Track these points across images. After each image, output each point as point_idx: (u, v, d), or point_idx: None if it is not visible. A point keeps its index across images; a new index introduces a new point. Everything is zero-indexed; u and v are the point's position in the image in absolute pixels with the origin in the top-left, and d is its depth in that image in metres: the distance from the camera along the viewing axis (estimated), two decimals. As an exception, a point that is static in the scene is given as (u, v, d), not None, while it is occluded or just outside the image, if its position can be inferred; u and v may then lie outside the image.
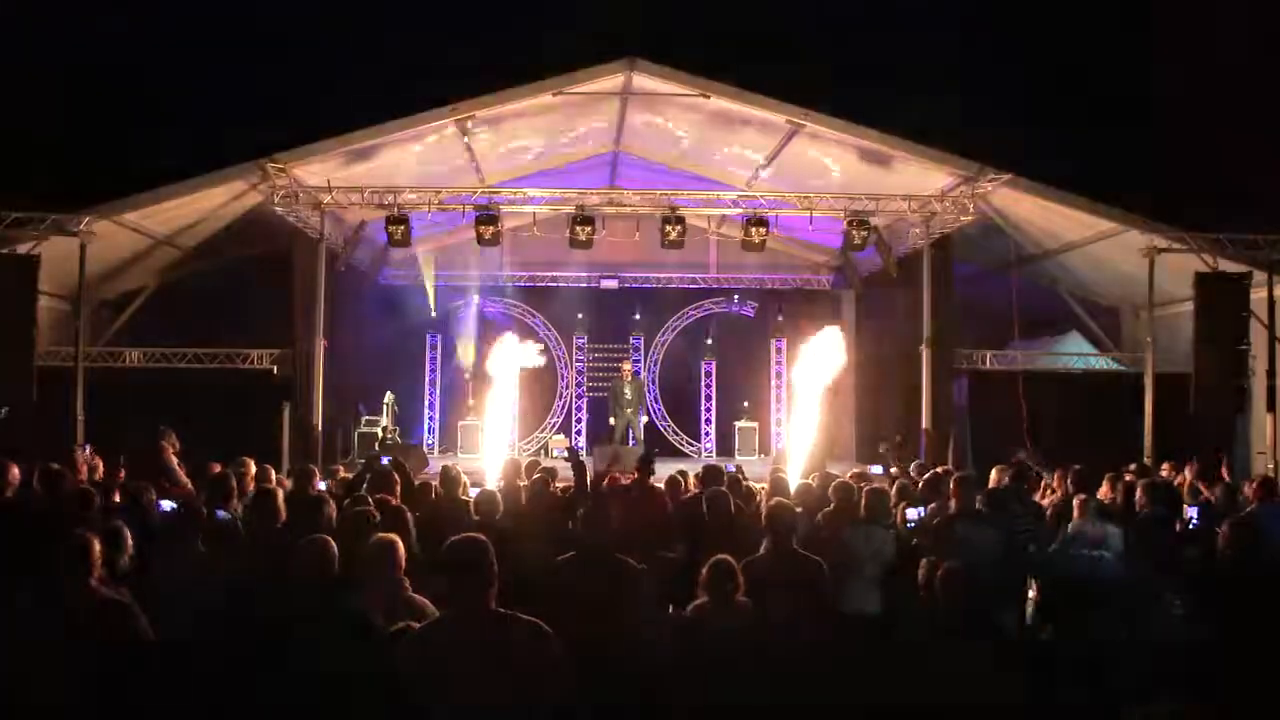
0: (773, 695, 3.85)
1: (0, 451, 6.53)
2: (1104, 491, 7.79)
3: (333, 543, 4.12)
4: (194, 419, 8.98)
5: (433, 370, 17.55)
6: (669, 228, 12.91)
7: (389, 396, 15.87)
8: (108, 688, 3.56)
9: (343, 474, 8.31)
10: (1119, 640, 4.32)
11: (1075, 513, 6.36)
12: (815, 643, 4.51)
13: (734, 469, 9.67)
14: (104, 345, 13.66)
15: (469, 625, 3.17)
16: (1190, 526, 6.65)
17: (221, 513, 5.44)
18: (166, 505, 6.09)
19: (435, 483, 7.27)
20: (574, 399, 17.77)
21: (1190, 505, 7.13)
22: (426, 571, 4.62)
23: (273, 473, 7.58)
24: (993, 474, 8.03)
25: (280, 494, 5.91)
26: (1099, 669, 4.32)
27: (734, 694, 3.82)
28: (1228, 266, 11.71)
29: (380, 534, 4.39)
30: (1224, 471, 8.45)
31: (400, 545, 4.27)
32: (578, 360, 17.70)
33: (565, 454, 12.49)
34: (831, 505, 6.58)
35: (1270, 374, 11.56)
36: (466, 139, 12.80)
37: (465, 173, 14.52)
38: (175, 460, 7.46)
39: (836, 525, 6.12)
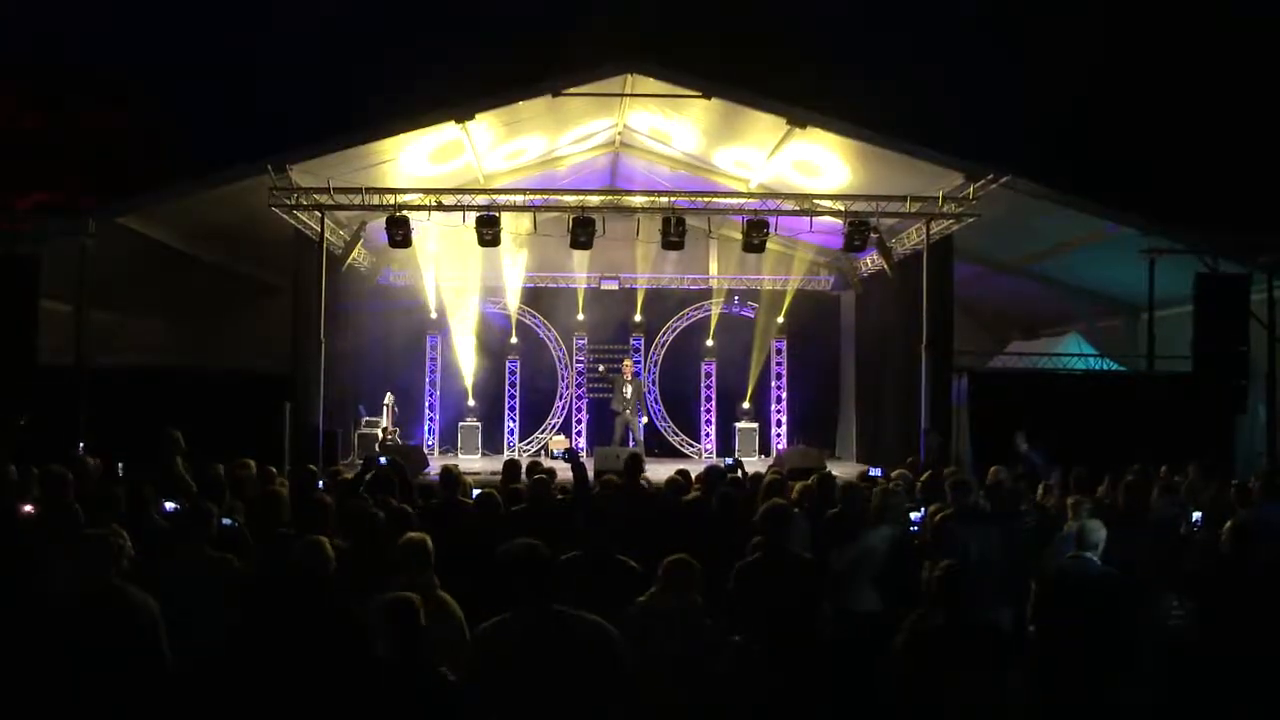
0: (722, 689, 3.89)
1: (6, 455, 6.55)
2: (1104, 491, 7.80)
3: (327, 543, 4.15)
4: (195, 420, 8.95)
5: (433, 371, 17.57)
6: (669, 228, 12.92)
7: (389, 397, 15.89)
8: (122, 686, 3.58)
9: (343, 475, 8.30)
10: (1112, 640, 4.33)
11: (1070, 514, 6.36)
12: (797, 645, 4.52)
13: (732, 462, 9.68)
14: (105, 347, 13.64)
15: (535, 624, 3.26)
16: (1195, 529, 6.65)
17: (226, 520, 5.44)
18: (170, 506, 6.10)
19: (436, 484, 7.28)
20: (574, 400, 17.78)
21: (1193, 508, 7.13)
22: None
23: (275, 474, 7.58)
24: (990, 474, 8.02)
25: (283, 495, 5.92)
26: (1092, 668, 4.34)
27: (684, 684, 3.86)
28: (1228, 268, 11.73)
29: (410, 533, 4.46)
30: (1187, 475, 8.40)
31: (430, 543, 4.33)
32: (578, 361, 17.72)
33: (565, 455, 12.50)
34: (838, 508, 6.59)
35: (1270, 374, 11.58)
36: (467, 140, 12.82)
37: (466, 173, 14.54)
38: (181, 462, 7.47)
39: (846, 526, 6.12)
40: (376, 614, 3.38)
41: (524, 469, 8.02)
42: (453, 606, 4.12)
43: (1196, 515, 6.85)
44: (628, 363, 16.35)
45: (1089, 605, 4.56)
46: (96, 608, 3.69)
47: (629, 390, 15.43)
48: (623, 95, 12.68)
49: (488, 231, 12.85)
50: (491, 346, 17.43)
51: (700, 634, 4.04)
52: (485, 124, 12.55)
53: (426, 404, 17.55)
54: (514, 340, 17.51)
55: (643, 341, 17.74)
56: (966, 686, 3.85)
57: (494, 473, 10.26)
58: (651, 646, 3.87)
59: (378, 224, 13.52)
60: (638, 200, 13.66)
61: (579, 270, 16.92)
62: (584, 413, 17.82)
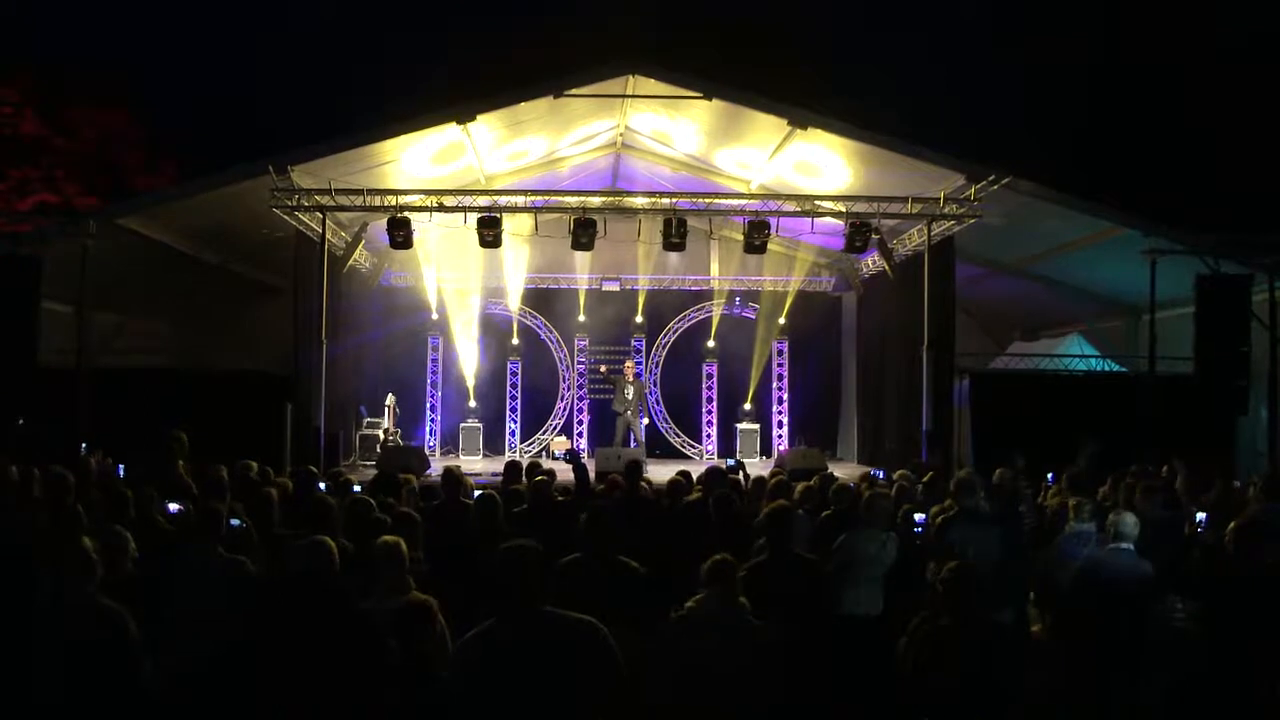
0: (767, 693, 3.85)
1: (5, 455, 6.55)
2: (1105, 492, 7.79)
3: (332, 543, 4.14)
4: (195, 421, 8.96)
5: (434, 372, 17.57)
6: (670, 229, 12.92)
7: (390, 398, 15.89)
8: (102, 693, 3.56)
9: (345, 476, 8.30)
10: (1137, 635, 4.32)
11: (1071, 515, 6.36)
12: (812, 643, 4.51)
13: (734, 464, 9.68)
14: (106, 347, 13.66)
15: (525, 627, 3.25)
16: (1199, 530, 6.65)
17: (234, 522, 5.45)
18: (173, 507, 6.10)
19: (438, 484, 7.28)
20: (575, 401, 17.77)
21: (1196, 509, 7.12)
22: (430, 574, 4.65)
23: (274, 474, 7.58)
24: (996, 475, 8.01)
25: (285, 496, 5.92)
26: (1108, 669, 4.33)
27: (728, 691, 3.82)
28: (1229, 268, 11.71)
29: (385, 536, 4.43)
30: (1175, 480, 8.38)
31: (404, 546, 4.30)
32: (579, 362, 17.72)
33: (566, 456, 12.51)
34: (831, 509, 6.59)
35: (1271, 375, 11.56)
36: (469, 141, 12.82)
37: (467, 174, 14.54)
38: (182, 463, 7.47)
39: (837, 528, 6.11)
40: (390, 617, 3.37)
41: (525, 470, 8.02)
42: (433, 608, 4.06)
43: (1201, 516, 6.84)
44: (629, 364, 16.35)
45: (1123, 597, 4.53)
46: (72, 616, 3.64)
47: (630, 391, 15.41)
48: (624, 96, 12.68)
49: (489, 233, 12.84)
50: (493, 347, 17.44)
51: (751, 636, 3.98)
52: (487, 125, 12.54)
53: (428, 405, 17.55)
54: (515, 341, 17.51)
55: (644, 342, 17.73)
56: (976, 687, 3.85)
57: (495, 474, 10.27)
58: (702, 651, 3.83)
59: (379, 225, 13.52)
60: (639, 201, 13.65)
61: (580, 271, 16.92)
62: (585, 414, 17.81)
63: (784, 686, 3.91)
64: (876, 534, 5.84)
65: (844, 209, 13.11)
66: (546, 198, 13.53)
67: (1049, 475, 8.96)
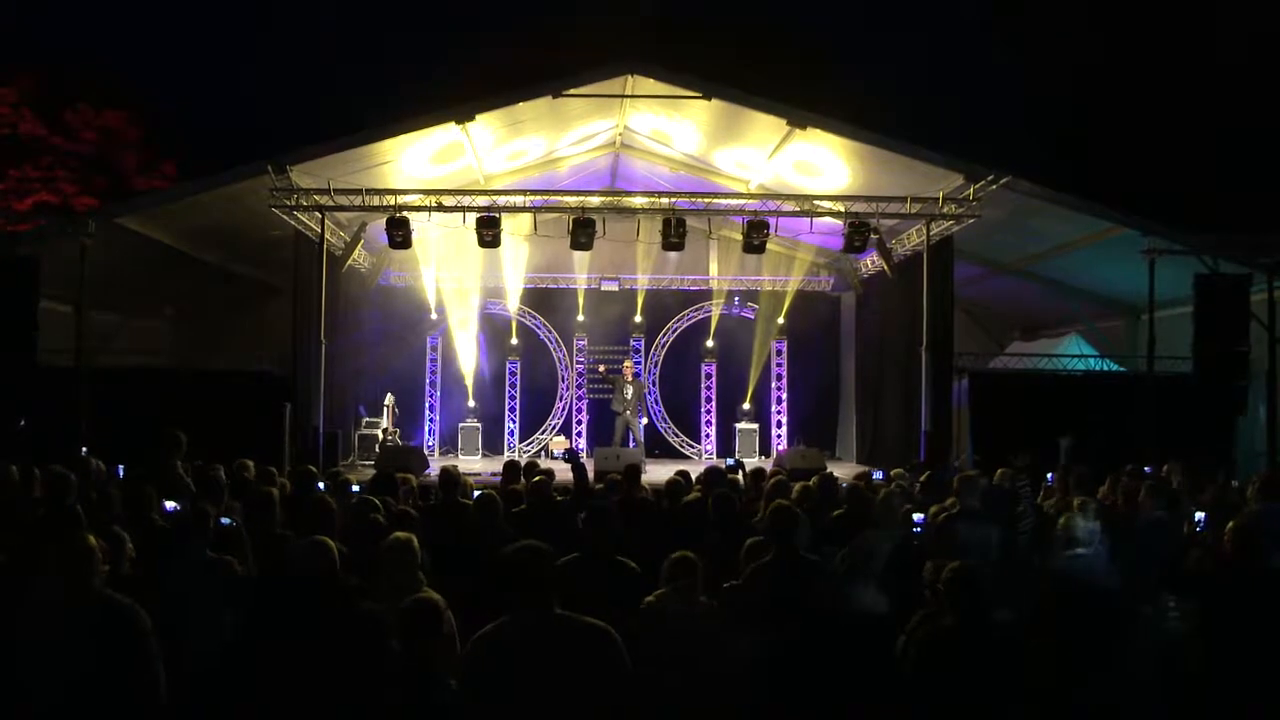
0: (730, 688, 3.87)
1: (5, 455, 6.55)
2: (1104, 492, 7.80)
3: (332, 543, 4.13)
4: (195, 420, 8.96)
5: (433, 372, 17.57)
6: (669, 229, 12.92)
7: (389, 398, 15.89)
8: (109, 689, 3.54)
9: (344, 476, 8.30)
10: (1111, 639, 4.33)
11: (1077, 514, 6.36)
12: (817, 641, 4.51)
13: (733, 463, 9.67)
14: (106, 347, 13.66)
15: (537, 628, 3.24)
16: (1198, 530, 6.65)
17: (225, 520, 5.44)
18: (170, 505, 6.10)
19: (436, 484, 7.28)
20: (574, 401, 17.77)
21: (1195, 508, 7.12)
22: (431, 573, 4.64)
23: (276, 474, 7.58)
24: (997, 475, 8.02)
25: (282, 495, 5.92)
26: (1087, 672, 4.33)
27: (687, 686, 3.84)
28: (1228, 268, 11.72)
29: (396, 534, 4.43)
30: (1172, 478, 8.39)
31: (416, 544, 4.31)
32: (578, 362, 17.72)
33: (565, 456, 12.49)
34: (843, 509, 6.58)
35: (1270, 375, 11.57)
36: (468, 141, 12.82)
37: (466, 174, 14.55)
38: (180, 464, 7.46)
39: (848, 528, 6.11)
40: (396, 616, 3.35)
41: (524, 470, 8.02)
42: (441, 606, 4.09)
43: (1200, 515, 6.84)
44: (628, 363, 16.36)
45: (1088, 604, 4.55)
46: (77, 614, 3.62)
47: (629, 391, 15.41)
48: (623, 96, 12.69)
49: (488, 233, 12.85)
50: (492, 347, 17.44)
51: (709, 633, 4.00)
52: (486, 125, 12.55)
53: (427, 405, 17.55)
54: (514, 341, 17.51)
55: (643, 342, 17.73)
56: (976, 687, 3.85)
57: (494, 474, 10.27)
58: (660, 646, 3.85)
59: (378, 225, 13.53)
60: (638, 201, 13.66)
61: (579, 271, 16.92)
62: (584, 413, 17.81)
63: (750, 682, 3.92)
64: (891, 533, 5.86)
65: (843, 209, 13.11)
66: (545, 197, 13.53)
67: (1049, 475, 8.96)
